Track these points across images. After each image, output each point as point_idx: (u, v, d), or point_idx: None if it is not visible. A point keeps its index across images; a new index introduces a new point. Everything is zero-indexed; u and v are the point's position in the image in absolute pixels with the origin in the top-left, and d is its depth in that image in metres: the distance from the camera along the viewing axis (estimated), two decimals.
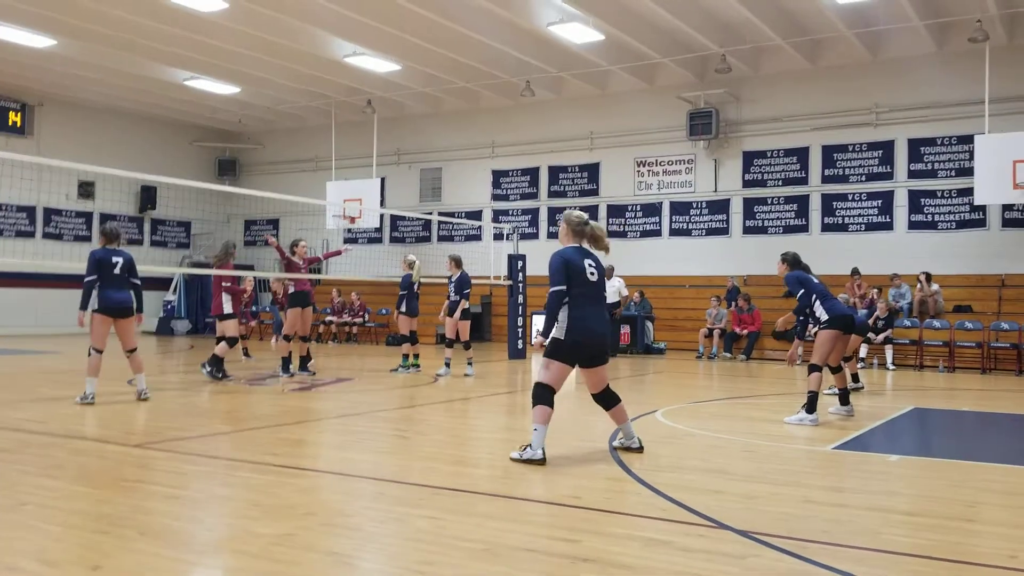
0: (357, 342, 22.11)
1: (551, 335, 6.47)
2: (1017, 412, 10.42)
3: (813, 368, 8.89)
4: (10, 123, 23.39)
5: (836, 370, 9.49)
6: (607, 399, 6.73)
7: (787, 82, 20.19)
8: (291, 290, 12.76)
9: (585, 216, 6.78)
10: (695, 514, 4.90)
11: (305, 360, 13.10)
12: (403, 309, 13.71)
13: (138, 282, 9.51)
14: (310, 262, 13.22)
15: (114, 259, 9.33)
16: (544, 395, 6.39)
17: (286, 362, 12.62)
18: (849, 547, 4.34)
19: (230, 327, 12.27)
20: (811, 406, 8.66)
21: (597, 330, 6.53)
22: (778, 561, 4.09)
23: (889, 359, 15.89)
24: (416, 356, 13.83)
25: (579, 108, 22.69)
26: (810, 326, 9.31)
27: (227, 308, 12.34)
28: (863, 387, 11.93)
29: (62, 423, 8.06)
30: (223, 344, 12.04)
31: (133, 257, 9.61)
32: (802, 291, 9.06)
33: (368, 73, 21.06)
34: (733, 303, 18.60)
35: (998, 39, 17.08)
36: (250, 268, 25.35)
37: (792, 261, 9.41)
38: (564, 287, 6.41)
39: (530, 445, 6.32)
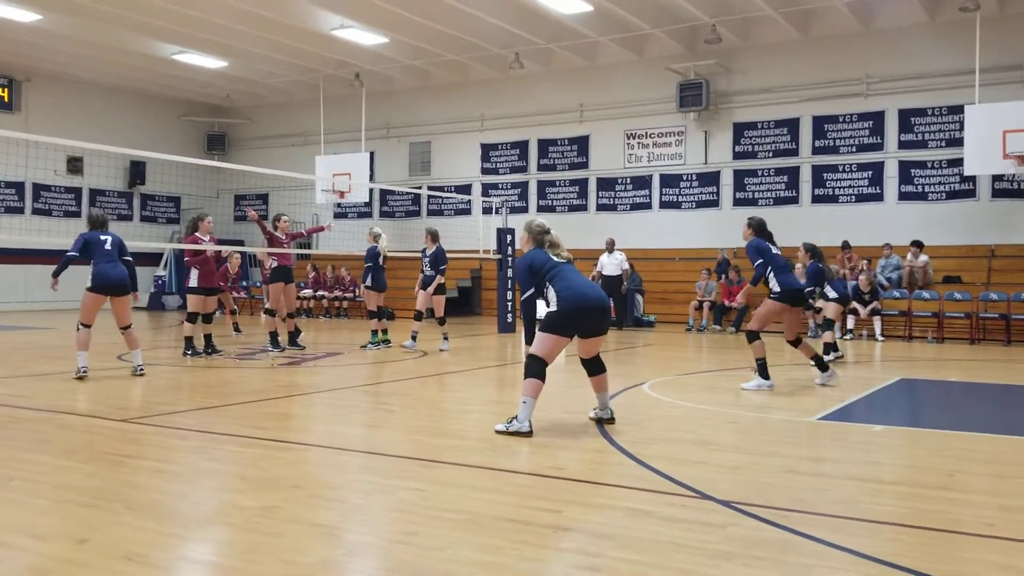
0: (348, 317, 22.12)
1: (548, 310, 6.51)
2: (1004, 382, 10.50)
3: (752, 336, 9.00)
4: None
5: (795, 343, 9.34)
6: (594, 366, 6.80)
7: (778, 53, 20.12)
8: (273, 265, 12.76)
9: (546, 224, 6.85)
10: (678, 484, 4.94)
11: (294, 335, 13.13)
12: (369, 283, 13.54)
13: (129, 259, 9.57)
14: (293, 237, 13.18)
15: (102, 237, 9.45)
16: (536, 368, 6.40)
17: (274, 336, 12.62)
18: (828, 516, 4.40)
19: (192, 302, 11.89)
20: (763, 371, 8.85)
21: (590, 294, 6.55)
22: (757, 530, 4.14)
23: (878, 330, 15.97)
24: (385, 332, 13.64)
25: (568, 80, 22.60)
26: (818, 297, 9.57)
27: (192, 282, 11.92)
28: (842, 355, 12.12)
29: (50, 398, 8.08)
30: (186, 324, 11.89)
31: (122, 238, 9.70)
32: (759, 261, 9.06)
33: (356, 46, 20.93)
34: (723, 276, 18.65)
35: (989, 8, 17.03)
36: (240, 243, 25.29)
37: (757, 227, 9.32)
38: (532, 291, 6.54)
39: (516, 417, 6.36)
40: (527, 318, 6.58)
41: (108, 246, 9.41)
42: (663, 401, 8.25)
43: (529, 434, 6.30)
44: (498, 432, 6.40)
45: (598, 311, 6.57)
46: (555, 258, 6.65)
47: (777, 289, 9.01)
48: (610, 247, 19.02)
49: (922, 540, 4.07)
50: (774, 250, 9.21)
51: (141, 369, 9.55)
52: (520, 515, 4.34)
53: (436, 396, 8.95)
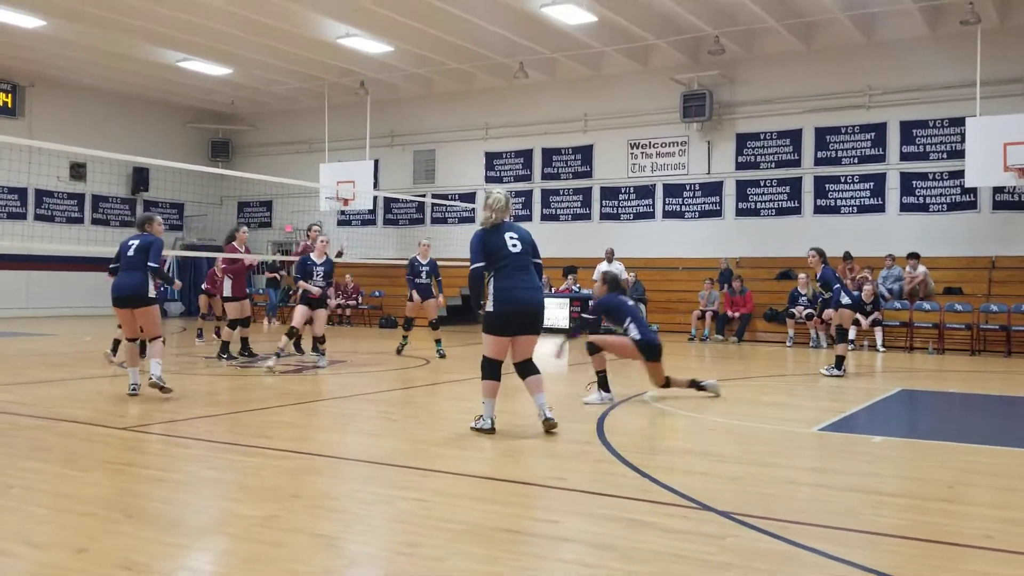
0: (350, 324, 22.13)
1: (484, 309, 6.81)
2: (1004, 393, 10.49)
3: (593, 349, 8.70)
4: (1, 104, 23.29)
5: (667, 385, 8.92)
6: (525, 368, 6.92)
7: (780, 64, 20.15)
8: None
9: (494, 191, 7.06)
10: (679, 495, 4.94)
11: (318, 341, 13.40)
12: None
13: (153, 265, 8.53)
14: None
15: (130, 242, 8.74)
16: (487, 369, 6.81)
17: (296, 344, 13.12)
18: (828, 527, 4.39)
19: (231, 309, 12.62)
20: (603, 384, 8.61)
21: (523, 298, 6.78)
22: (757, 541, 4.14)
23: (879, 341, 15.96)
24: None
25: (573, 90, 22.63)
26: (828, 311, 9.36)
27: (226, 291, 12.69)
28: (843, 374, 11.66)
29: (51, 406, 8.08)
30: (226, 329, 12.66)
31: (157, 241, 8.74)
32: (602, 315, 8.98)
33: (361, 54, 20.97)
34: (726, 285, 18.64)
35: (990, 22, 17.06)
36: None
37: (611, 283, 9.11)
38: (482, 264, 6.73)
39: (482, 416, 6.79)
40: (470, 287, 6.82)
41: (132, 252, 8.60)
42: (664, 411, 8.25)
43: (491, 431, 6.70)
44: (472, 429, 6.82)
45: (528, 315, 6.82)
46: (510, 244, 6.78)
47: (637, 337, 8.59)
48: (609, 256, 19.01)
49: (922, 552, 4.07)
50: (630, 303, 9.09)
51: (160, 380, 8.53)
52: (520, 525, 4.35)
53: (438, 405, 8.94)
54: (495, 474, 5.50)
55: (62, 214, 24.61)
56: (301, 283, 11.84)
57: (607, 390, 8.57)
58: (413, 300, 13.46)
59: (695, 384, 8.95)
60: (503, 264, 6.74)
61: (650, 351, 8.61)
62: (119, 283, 8.68)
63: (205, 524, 4.49)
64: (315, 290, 11.81)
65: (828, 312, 11.92)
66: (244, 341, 12.85)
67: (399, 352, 13.45)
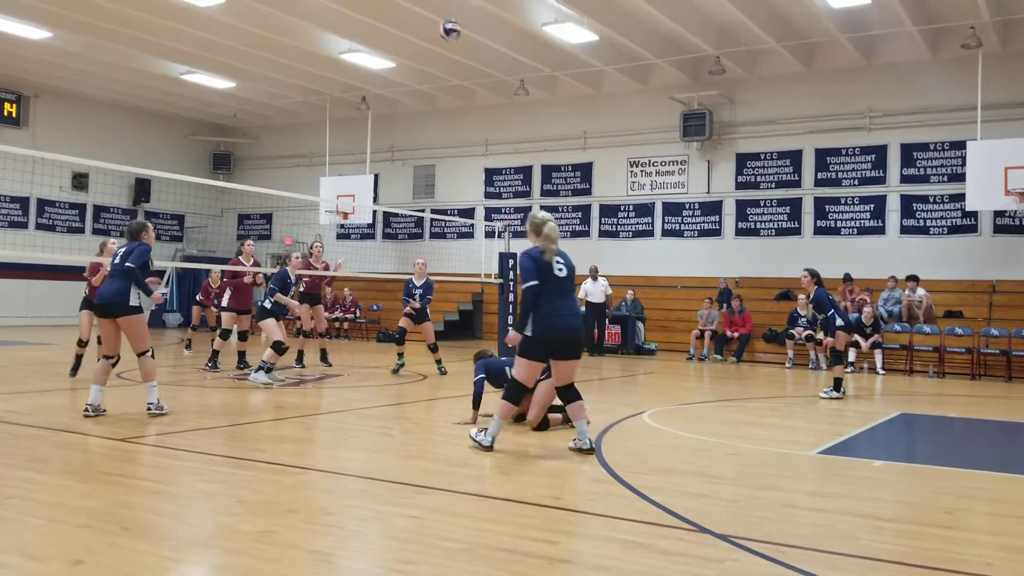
0: (348, 338, 22.11)
1: (524, 333, 6.66)
2: (1004, 419, 10.47)
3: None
4: (5, 113, 23.38)
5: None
6: (568, 394, 6.85)
7: (781, 85, 20.23)
8: (300, 289, 13.52)
9: (547, 217, 6.89)
10: (676, 517, 4.92)
11: (324, 353, 14.02)
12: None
13: (130, 265, 7.87)
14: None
15: (119, 250, 8.32)
16: (512, 392, 6.71)
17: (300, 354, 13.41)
18: (826, 552, 4.37)
19: (225, 319, 12.77)
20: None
21: (565, 324, 6.72)
22: (755, 565, 4.12)
23: (879, 364, 15.94)
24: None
25: (573, 108, 22.71)
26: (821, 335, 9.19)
27: (224, 301, 12.91)
28: (843, 396, 11.56)
29: (49, 415, 8.06)
30: (218, 339, 12.74)
31: (142, 245, 8.15)
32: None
33: (363, 70, 21.05)
34: (725, 305, 18.64)
35: (991, 46, 17.14)
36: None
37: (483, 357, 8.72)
38: (536, 282, 6.62)
39: (488, 430, 6.72)
40: (525, 305, 6.65)
41: (117, 259, 8.13)
42: (663, 431, 8.22)
43: (489, 449, 6.64)
44: (471, 438, 6.80)
45: (569, 341, 6.75)
46: (556, 268, 6.69)
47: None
48: (594, 274, 18.99)
49: None
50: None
51: (155, 408, 8.03)
52: (518, 545, 4.32)
53: (435, 421, 8.91)
54: (491, 492, 5.48)
55: (63, 224, 24.63)
56: (278, 295, 11.47)
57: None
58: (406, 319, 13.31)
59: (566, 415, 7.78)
60: (548, 288, 6.65)
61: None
62: (101, 291, 8.11)
63: (201, 538, 4.47)
64: (294, 304, 11.89)
65: (828, 340, 11.59)
66: (241, 355, 12.84)
67: (395, 372, 13.14)
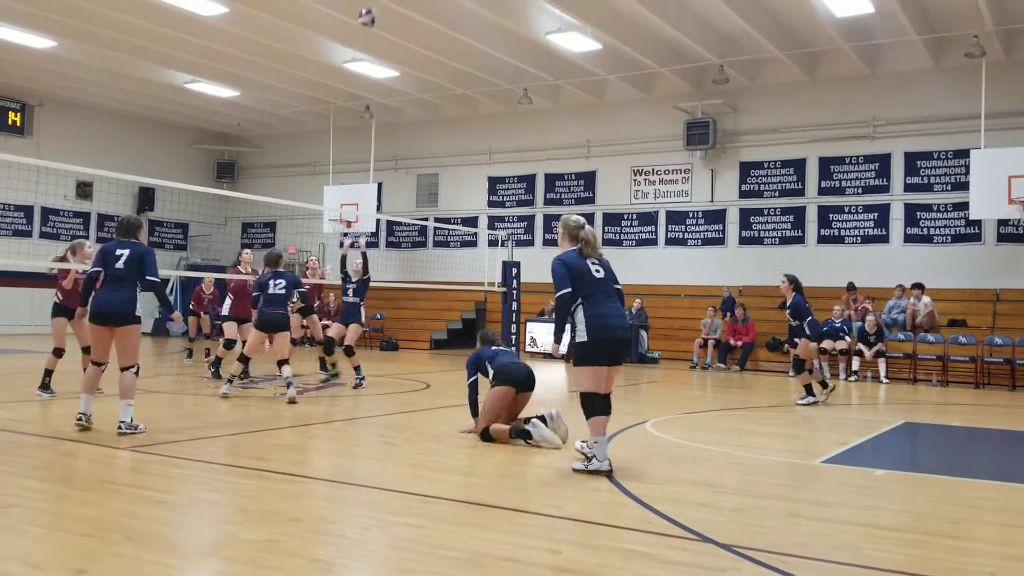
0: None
1: (576, 340, 6.37)
2: (1008, 428, 10.44)
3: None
4: (9, 123, 23.45)
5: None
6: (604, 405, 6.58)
7: (785, 94, 20.25)
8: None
9: (582, 220, 6.74)
10: (679, 526, 4.92)
11: (323, 362, 13.66)
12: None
13: (155, 279, 7.67)
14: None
15: (118, 251, 7.69)
16: (593, 405, 6.32)
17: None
18: (829, 562, 4.36)
19: (226, 328, 12.62)
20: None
21: (616, 324, 6.50)
22: (758, 575, 4.11)
23: (883, 372, 15.91)
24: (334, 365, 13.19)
25: (576, 116, 22.74)
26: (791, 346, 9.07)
27: (224, 310, 12.87)
28: (816, 402, 11.44)
29: (53, 424, 8.07)
30: (221, 348, 12.52)
31: (151, 252, 7.85)
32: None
33: (367, 79, 21.10)
34: (728, 313, 18.63)
35: (995, 54, 17.15)
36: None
37: (483, 339, 8.53)
38: (569, 289, 6.36)
39: (595, 456, 6.29)
40: (558, 315, 6.41)
41: (122, 263, 7.61)
42: (666, 440, 8.21)
43: (609, 473, 6.23)
44: (576, 471, 6.33)
45: (621, 342, 6.54)
46: (593, 270, 6.49)
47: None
48: None
49: None
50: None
51: (125, 428, 7.48)
52: (520, 555, 4.32)
53: (438, 430, 8.90)
54: (494, 501, 5.47)
55: (67, 232, 24.64)
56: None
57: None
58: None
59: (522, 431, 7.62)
60: (590, 291, 6.41)
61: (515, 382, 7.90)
62: (105, 298, 7.56)
63: (204, 547, 4.47)
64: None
65: (803, 342, 11.49)
66: (245, 362, 12.58)
67: (324, 382, 12.38)
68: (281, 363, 10.39)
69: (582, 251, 6.56)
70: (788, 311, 11.60)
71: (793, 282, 11.49)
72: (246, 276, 12.68)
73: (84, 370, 7.98)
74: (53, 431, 7.67)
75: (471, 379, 8.25)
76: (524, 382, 7.90)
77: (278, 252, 11.21)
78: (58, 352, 10.01)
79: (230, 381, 10.67)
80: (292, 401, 10.03)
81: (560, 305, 6.40)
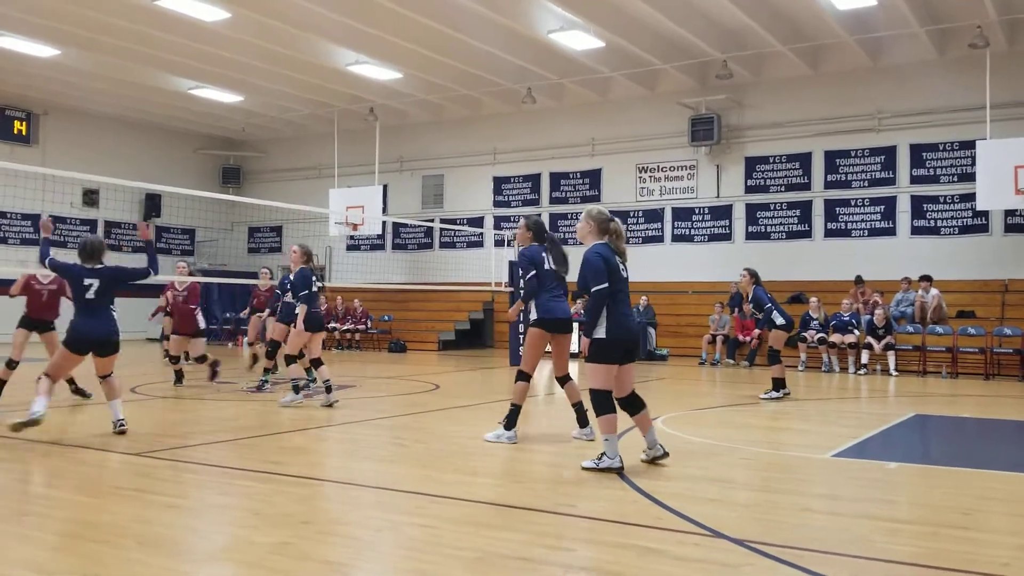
0: (360, 349, 22.13)
1: (594, 336, 6.32)
2: (1019, 418, 10.39)
3: (521, 376, 7.71)
4: (15, 132, 23.53)
5: (563, 381, 7.83)
6: (633, 404, 6.57)
7: (789, 88, 20.21)
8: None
9: (608, 212, 6.70)
10: (691, 522, 4.91)
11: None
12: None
13: (142, 272, 8.11)
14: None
15: (87, 281, 7.75)
16: (602, 402, 6.30)
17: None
18: (843, 555, 4.35)
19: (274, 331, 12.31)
20: (511, 421, 7.64)
21: (634, 324, 6.59)
22: (772, 570, 4.10)
23: (892, 365, 15.87)
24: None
25: (580, 114, 22.73)
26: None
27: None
28: (788, 393, 11.48)
29: (64, 431, 8.09)
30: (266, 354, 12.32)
31: (123, 270, 8.14)
32: (532, 273, 7.76)
33: (370, 81, 21.12)
34: (736, 309, 18.59)
35: (998, 45, 17.09)
36: (254, 275, 25.37)
37: (535, 230, 8.04)
38: (607, 284, 6.27)
39: (605, 454, 6.27)
40: (596, 311, 6.26)
41: (92, 293, 7.70)
42: (677, 436, 8.19)
43: (620, 470, 6.21)
44: (585, 469, 6.30)
45: (637, 342, 6.70)
46: (621, 267, 6.44)
47: (534, 316, 7.78)
48: None
49: None
50: (547, 265, 7.85)
51: (123, 424, 7.77)
52: (531, 553, 4.31)
53: (448, 430, 8.90)
54: (505, 501, 5.47)
55: (74, 240, 24.67)
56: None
57: (511, 427, 7.63)
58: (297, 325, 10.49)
59: (580, 411, 7.75)
60: (618, 287, 6.33)
61: (556, 325, 7.73)
62: (87, 326, 7.67)
63: (216, 551, 4.47)
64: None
65: (773, 333, 11.67)
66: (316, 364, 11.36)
67: (260, 389, 11.60)
68: (316, 363, 10.42)
69: (612, 245, 6.52)
70: (751, 304, 11.82)
71: (753, 276, 11.72)
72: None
73: (38, 380, 7.87)
74: (65, 439, 7.68)
75: (531, 275, 7.73)
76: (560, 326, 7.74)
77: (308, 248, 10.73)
78: (11, 364, 9.93)
79: (297, 390, 10.19)
80: (329, 405, 9.98)
81: (598, 300, 6.27)
